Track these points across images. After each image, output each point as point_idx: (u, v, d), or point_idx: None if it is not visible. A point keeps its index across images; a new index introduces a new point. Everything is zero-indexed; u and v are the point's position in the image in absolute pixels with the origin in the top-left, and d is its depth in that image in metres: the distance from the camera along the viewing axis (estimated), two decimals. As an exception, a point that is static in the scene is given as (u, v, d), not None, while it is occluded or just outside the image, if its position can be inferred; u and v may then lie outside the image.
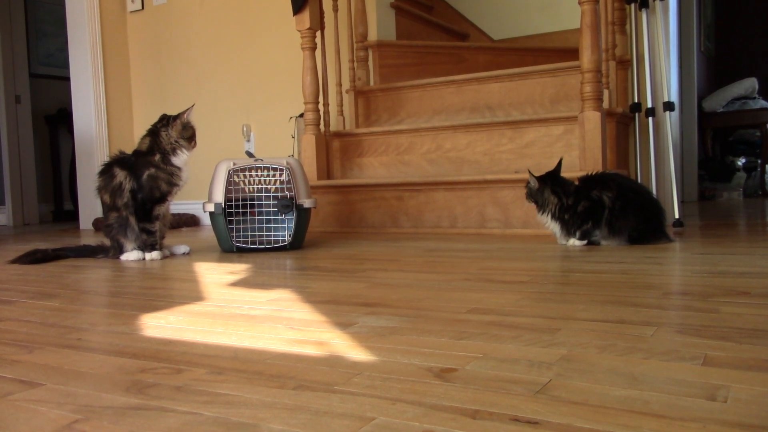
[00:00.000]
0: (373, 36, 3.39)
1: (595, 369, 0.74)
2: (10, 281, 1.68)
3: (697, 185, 4.78)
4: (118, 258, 2.09)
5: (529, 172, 2.04)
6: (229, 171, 2.17)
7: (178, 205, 3.89)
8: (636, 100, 2.72)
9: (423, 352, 0.84)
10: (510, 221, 2.49)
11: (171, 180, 2.05)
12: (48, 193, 5.39)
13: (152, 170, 2.02)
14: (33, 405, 0.69)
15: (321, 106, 3.07)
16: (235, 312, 1.16)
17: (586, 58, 2.30)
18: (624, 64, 2.77)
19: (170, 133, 2.04)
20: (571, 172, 2.23)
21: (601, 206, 1.94)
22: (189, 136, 2.07)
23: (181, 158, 2.06)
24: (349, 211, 2.85)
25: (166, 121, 2.07)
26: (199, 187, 3.64)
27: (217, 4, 3.90)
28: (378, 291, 1.31)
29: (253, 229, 2.19)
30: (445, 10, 4.40)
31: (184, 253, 2.20)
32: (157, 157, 2.03)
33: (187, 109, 2.08)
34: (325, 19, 3.18)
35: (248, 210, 2.19)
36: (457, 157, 2.85)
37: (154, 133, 2.06)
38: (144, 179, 2.02)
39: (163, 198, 2.05)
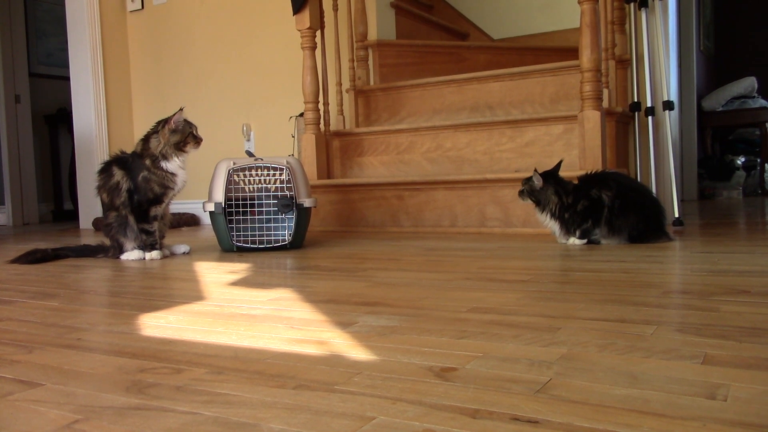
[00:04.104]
0: (373, 35, 3.39)
1: (596, 368, 0.74)
2: (9, 281, 1.68)
3: (697, 184, 4.78)
4: (118, 258, 2.09)
5: (535, 170, 2.04)
6: (229, 170, 2.16)
7: (178, 204, 3.89)
8: (635, 100, 2.72)
9: (423, 351, 0.84)
10: (510, 220, 2.49)
11: (164, 183, 2.03)
12: (48, 192, 5.39)
13: (145, 173, 2.02)
14: (33, 405, 0.69)
15: (321, 106, 3.07)
16: (235, 311, 1.16)
17: (586, 58, 2.30)
18: (623, 63, 2.77)
19: (159, 140, 2.02)
20: (571, 171, 2.23)
21: (601, 205, 1.94)
22: (178, 141, 2.02)
23: (173, 163, 2.03)
24: (350, 210, 2.85)
25: (156, 126, 2.06)
26: (199, 187, 3.64)
27: (217, 3, 3.89)
28: (378, 290, 1.31)
29: (253, 229, 2.19)
30: (445, 9, 4.40)
31: (184, 253, 2.20)
32: (148, 161, 2.02)
33: (174, 114, 2.03)
34: (325, 19, 3.18)
35: (248, 209, 2.19)
36: (457, 156, 2.84)
37: (146, 139, 2.05)
38: (139, 180, 2.02)
39: (157, 200, 2.04)
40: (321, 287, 1.38)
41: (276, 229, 2.21)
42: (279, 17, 3.64)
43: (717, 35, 6.20)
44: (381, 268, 1.63)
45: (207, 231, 3.28)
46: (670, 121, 2.69)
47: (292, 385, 0.72)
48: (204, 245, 2.49)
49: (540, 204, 2.06)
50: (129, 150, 2.11)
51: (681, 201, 2.76)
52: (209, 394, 0.70)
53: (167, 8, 4.09)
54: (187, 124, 2.06)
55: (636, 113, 2.72)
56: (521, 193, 2.10)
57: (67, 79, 4.18)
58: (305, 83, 2.91)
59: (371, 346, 0.88)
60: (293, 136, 3.55)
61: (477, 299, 1.18)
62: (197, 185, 3.62)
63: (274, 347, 0.89)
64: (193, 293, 1.37)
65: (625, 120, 2.71)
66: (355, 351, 0.86)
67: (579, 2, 2.29)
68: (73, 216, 5.13)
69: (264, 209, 2.19)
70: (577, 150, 2.49)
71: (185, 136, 2.04)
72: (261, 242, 2.18)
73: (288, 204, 2.16)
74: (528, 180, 2.07)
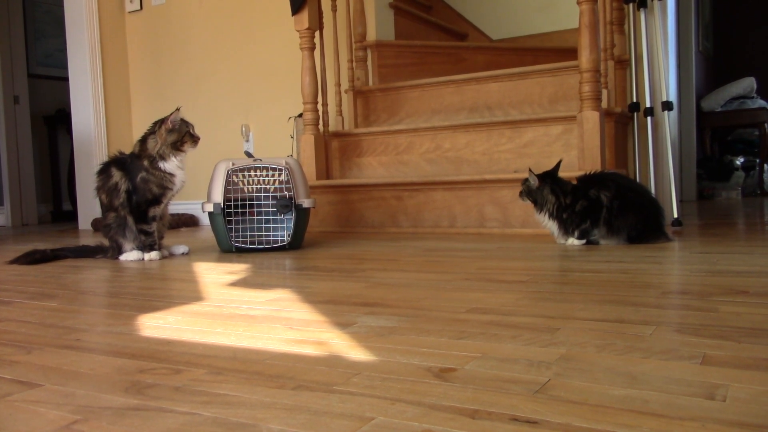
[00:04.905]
0: (371, 36, 3.39)
1: (594, 368, 0.74)
2: (8, 282, 1.68)
3: (696, 184, 4.78)
4: (117, 258, 2.09)
5: (530, 170, 2.04)
6: (228, 171, 2.16)
7: (177, 205, 3.89)
8: (634, 100, 2.72)
9: (422, 351, 0.84)
10: (509, 221, 2.49)
11: (162, 184, 2.03)
12: (47, 193, 5.39)
13: (143, 173, 2.02)
14: (32, 406, 0.69)
15: (320, 106, 3.07)
16: (234, 312, 1.16)
17: (585, 58, 2.30)
18: (622, 63, 2.77)
19: (156, 140, 2.02)
20: (570, 171, 2.24)
21: (599, 205, 1.95)
22: (175, 140, 2.02)
23: (170, 164, 2.03)
24: (349, 210, 2.85)
25: (153, 127, 2.06)
26: (198, 187, 3.64)
27: (216, 4, 3.89)
28: (377, 291, 1.31)
29: (252, 229, 2.19)
30: (444, 9, 4.40)
31: (183, 254, 2.20)
32: (146, 162, 2.02)
33: (171, 114, 2.03)
34: (324, 19, 3.18)
35: (247, 210, 2.19)
36: (456, 156, 2.85)
37: (143, 140, 2.05)
38: (137, 181, 2.02)
39: (156, 200, 2.04)
40: (320, 288, 1.38)
41: (275, 229, 2.21)
42: (278, 18, 3.64)
43: (716, 36, 6.21)
44: (380, 269, 1.63)
45: (206, 232, 3.28)
46: (669, 121, 2.69)
47: (291, 386, 0.72)
48: (203, 246, 2.49)
49: (538, 204, 2.06)
50: (128, 151, 2.11)
51: (680, 201, 2.76)
52: (208, 395, 0.70)
53: (166, 9, 4.09)
54: (184, 123, 2.06)
55: (635, 114, 2.72)
56: (521, 194, 2.10)
57: (66, 80, 4.18)
58: (304, 84, 2.91)
59: (370, 346, 0.88)
60: (292, 137, 3.55)
61: (476, 300, 1.18)
62: (196, 186, 3.62)
63: (273, 348, 0.89)
64: (192, 294, 1.37)
65: (624, 120, 2.71)
66: (354, 351, 0.86)
67: (578, 3, 2.29)
68: (72, 217, 5.13)
69: (263, 210, 2.19)
70: (576, 150, 2.49)
71: (182, 135, 2.04)
72: (260, 243, 2.18)
73: (287, 204, 2.16)
74: (526, 180, 2.07)
